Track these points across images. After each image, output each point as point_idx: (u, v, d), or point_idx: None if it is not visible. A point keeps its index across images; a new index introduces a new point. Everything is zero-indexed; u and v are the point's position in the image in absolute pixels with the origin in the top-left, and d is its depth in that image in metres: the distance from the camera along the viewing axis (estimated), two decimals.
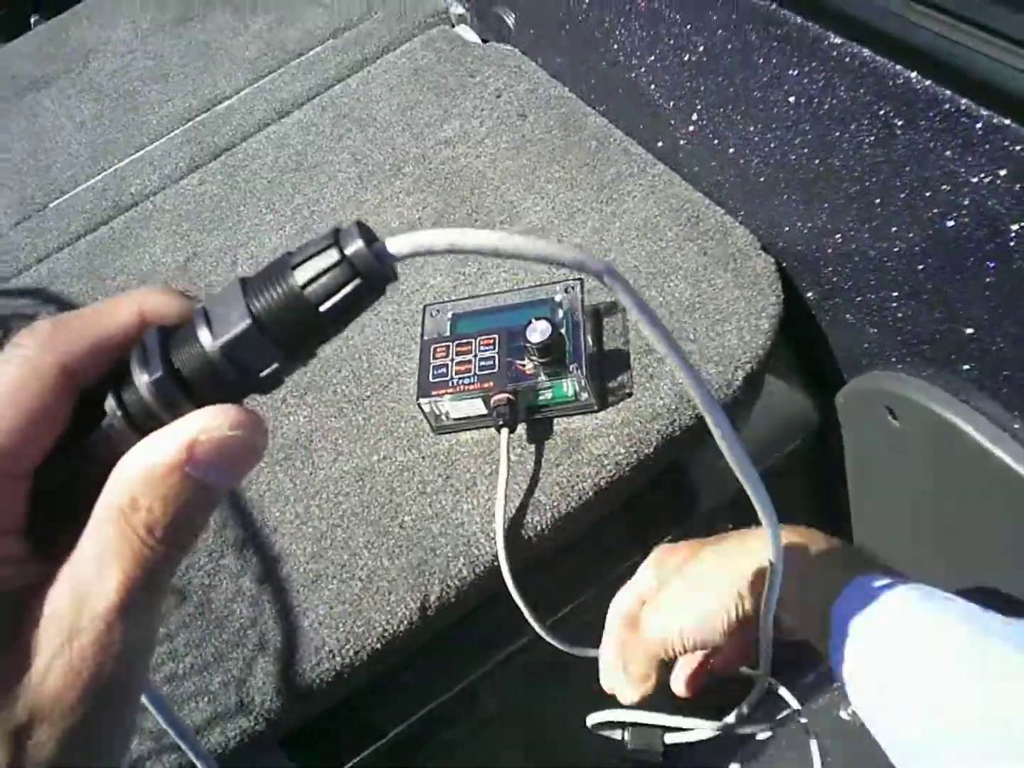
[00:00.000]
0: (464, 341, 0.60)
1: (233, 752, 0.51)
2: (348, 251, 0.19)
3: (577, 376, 0.57)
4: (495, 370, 0.58)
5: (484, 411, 0.58)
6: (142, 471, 0.19)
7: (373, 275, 0.20)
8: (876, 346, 0.60)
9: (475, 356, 0.59)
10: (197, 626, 0.56)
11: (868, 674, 0.37)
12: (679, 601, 0.43)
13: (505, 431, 0.57)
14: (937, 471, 0.56)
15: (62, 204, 0.95)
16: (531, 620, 0.54)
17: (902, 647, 0.36)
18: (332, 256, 0.19)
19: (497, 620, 0.57)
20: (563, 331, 0.58)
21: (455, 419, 0.60)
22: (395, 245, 0.20)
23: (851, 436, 0.64)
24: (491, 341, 0.59)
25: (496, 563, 0.54)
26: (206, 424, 0.20)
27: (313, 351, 0.21)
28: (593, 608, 0.66)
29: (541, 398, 0.58)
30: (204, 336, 0.20)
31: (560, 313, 0.60)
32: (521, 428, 0.59)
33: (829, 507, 0.72)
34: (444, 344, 0.61)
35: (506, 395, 0.57)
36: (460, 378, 0.58)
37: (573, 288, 0.61)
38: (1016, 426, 0.51)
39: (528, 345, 0.56)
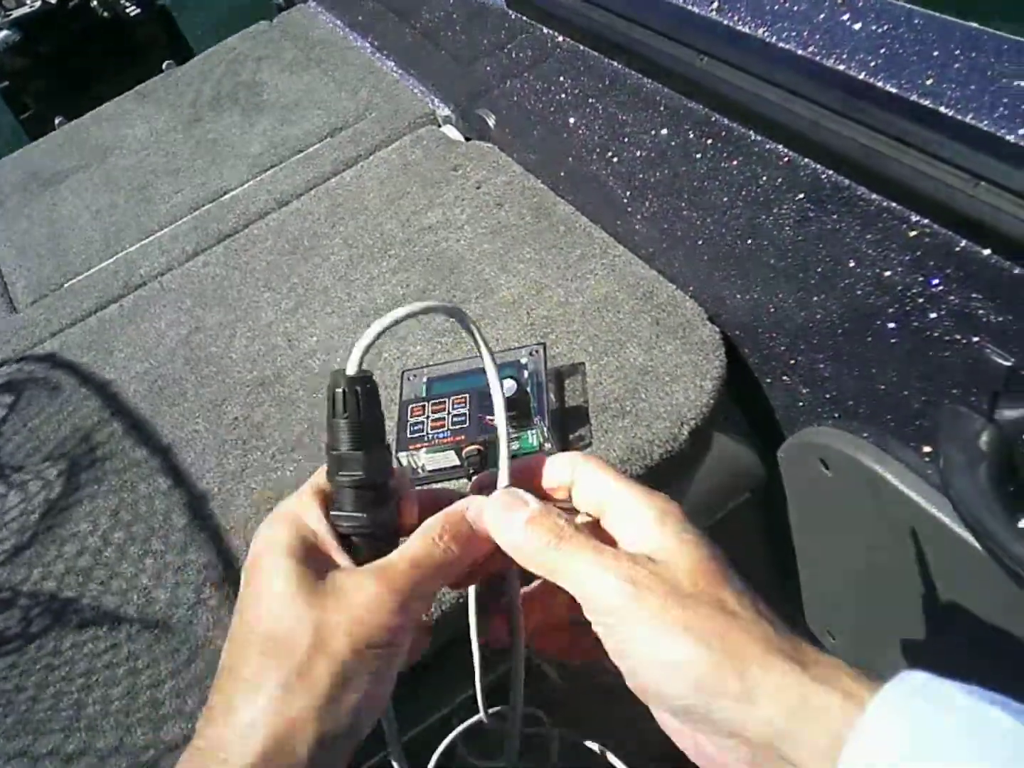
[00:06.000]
0: (438, 401, 0.67)
1: None
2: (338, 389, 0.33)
3: (541, 427, 0.63)
4: (467, 425, 0.64)
5: (457, 462, 0.64)
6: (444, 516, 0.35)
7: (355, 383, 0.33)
8: (809, 404, 0.66)
9: (448, 413, 0.66)
10: (179, 656, 0.61)
11: None
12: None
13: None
14: (864, 516, 0.62)
15: (76, 284, 1.03)
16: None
17: None
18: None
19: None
20: (528, 389, 0.64)
21: (430, 471, 0.66)
22: (350, 366, 0.33)
23: (792, 488, 0.70)
24: (463, 400, 0.66)
25: (461, 600, 0.59)
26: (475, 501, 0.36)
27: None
28: None
29: None
30: None
31: (525, 373, 0.66)
32: None
33: (779, 558, 0.77)
34: (420, 404, 0.67)
35: (477, 446, 0.63)
36: (435, 433, 0.65)
37: (537, 352, 0.68)
38: (928, 471, 0.57)
39: None
